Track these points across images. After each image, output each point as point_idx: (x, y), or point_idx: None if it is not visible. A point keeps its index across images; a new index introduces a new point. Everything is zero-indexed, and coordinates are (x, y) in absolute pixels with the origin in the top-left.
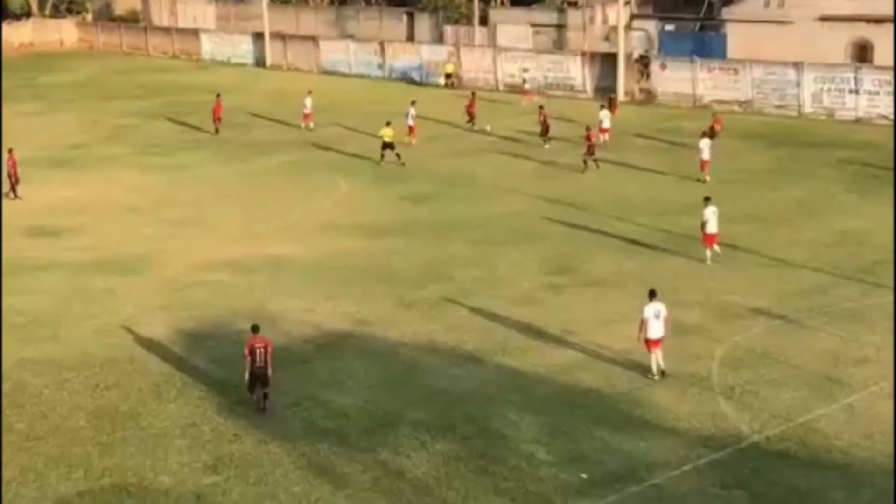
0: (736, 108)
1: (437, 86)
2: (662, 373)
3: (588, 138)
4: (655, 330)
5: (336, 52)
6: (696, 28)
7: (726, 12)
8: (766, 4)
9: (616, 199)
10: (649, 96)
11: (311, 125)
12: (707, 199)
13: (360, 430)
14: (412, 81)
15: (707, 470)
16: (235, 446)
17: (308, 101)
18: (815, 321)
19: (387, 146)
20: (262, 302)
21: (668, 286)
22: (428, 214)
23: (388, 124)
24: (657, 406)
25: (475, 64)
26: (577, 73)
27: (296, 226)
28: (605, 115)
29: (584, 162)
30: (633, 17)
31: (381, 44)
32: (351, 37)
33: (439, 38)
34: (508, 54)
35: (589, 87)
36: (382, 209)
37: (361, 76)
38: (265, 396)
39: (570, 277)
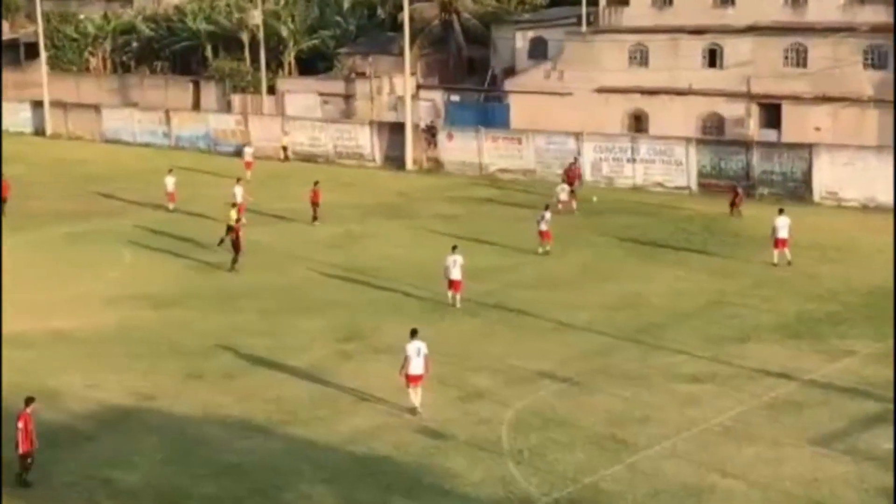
0: (520, 176)
1: (226, 154)
2: (413, 410)
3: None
4: (416, 366)
5: (119, 121)
6: (481, 99)
7: (509, 83)
8: (547, 76)
9: (407, 266)
10: (437, 165)
11: (172, 206)
12: (454, 248)
13: None
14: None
15: None
16: None
17: (169, 180)
18: (598, 383)
19: (229, 230)
20: (41, 378)
21: (459, 351)
22: (217, 284)
23: (233, 206)
24: (449, 472)
25: (264, 133)
26: (366, 142)
27: (78, 298)
28: (562, 188)
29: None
30: (419, 87)
31: (167, 112)
32: (135, 105)
33: (226, 107)
34: (297, 123)
35: (378, 156)
36: (169, 280)
37: (146, 145)
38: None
39: (360, 344)
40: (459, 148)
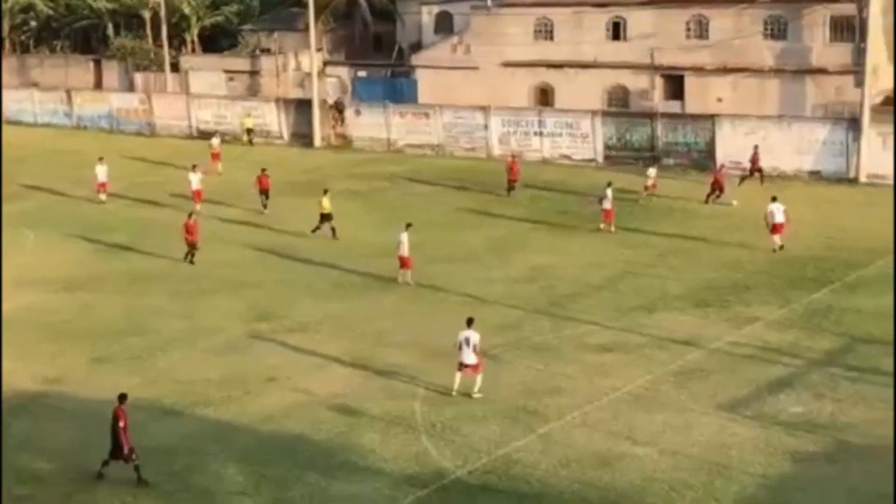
0: (428, 151)
1: (129, 133)
2: (468, 395)
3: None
4: (463, 355)
5: (20, 101)
6: (388, 74)
7: (416, 58)
8: (453, 50)
9: (318, 244)
10: (345, 141)
11: (104, 197)
12: (408, 225)
13: (56, 494)
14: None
15: None
16: None
17: (100, 170)
18: (510, 356)
19: (325, 217)
20: None
21: (373, 328)
22: (125, 266)
23: (325, 192)
24: (363, 448)
25: (168, 111)
26: (273, 119)
27: None
28: (652, 171)
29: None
30: (325, 63)
31: (68, 92)
32: (35, 85)
33: (129, 86)
34: (202, 101)
35: (285, 133)
36: (75, 262)
37: (48, 125)
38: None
39: (274, 324)
40: (367, 124)
